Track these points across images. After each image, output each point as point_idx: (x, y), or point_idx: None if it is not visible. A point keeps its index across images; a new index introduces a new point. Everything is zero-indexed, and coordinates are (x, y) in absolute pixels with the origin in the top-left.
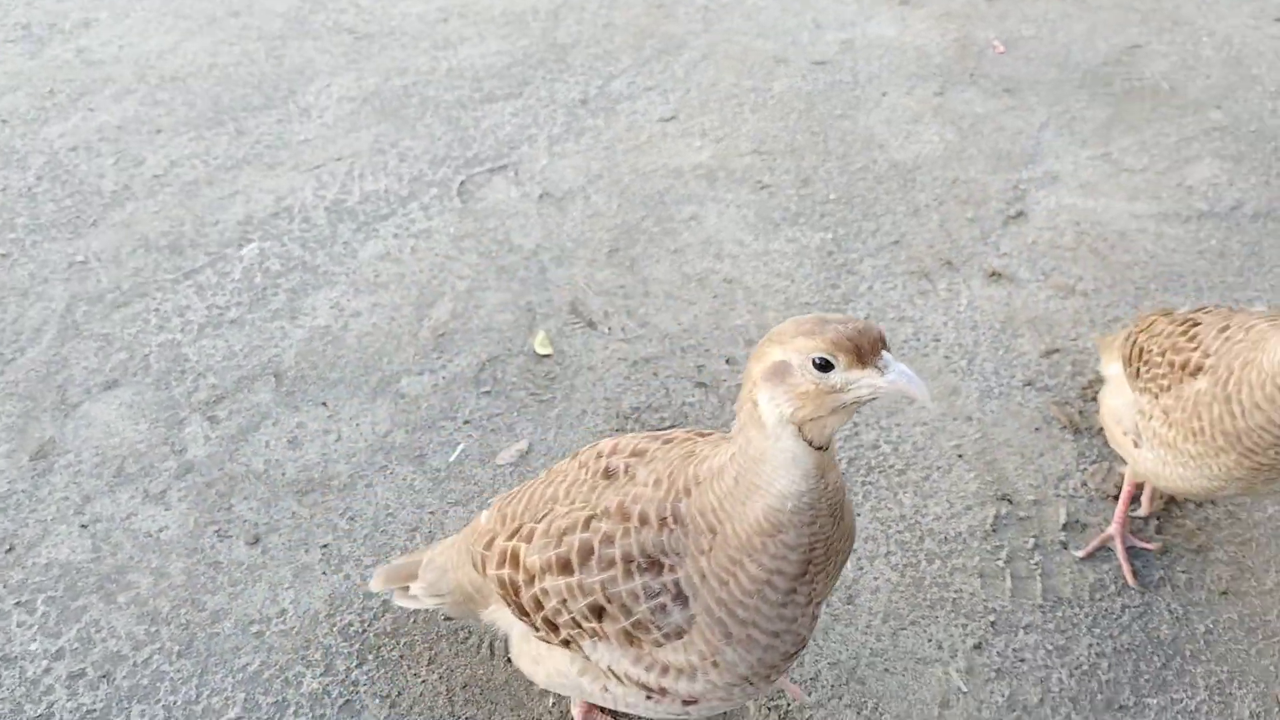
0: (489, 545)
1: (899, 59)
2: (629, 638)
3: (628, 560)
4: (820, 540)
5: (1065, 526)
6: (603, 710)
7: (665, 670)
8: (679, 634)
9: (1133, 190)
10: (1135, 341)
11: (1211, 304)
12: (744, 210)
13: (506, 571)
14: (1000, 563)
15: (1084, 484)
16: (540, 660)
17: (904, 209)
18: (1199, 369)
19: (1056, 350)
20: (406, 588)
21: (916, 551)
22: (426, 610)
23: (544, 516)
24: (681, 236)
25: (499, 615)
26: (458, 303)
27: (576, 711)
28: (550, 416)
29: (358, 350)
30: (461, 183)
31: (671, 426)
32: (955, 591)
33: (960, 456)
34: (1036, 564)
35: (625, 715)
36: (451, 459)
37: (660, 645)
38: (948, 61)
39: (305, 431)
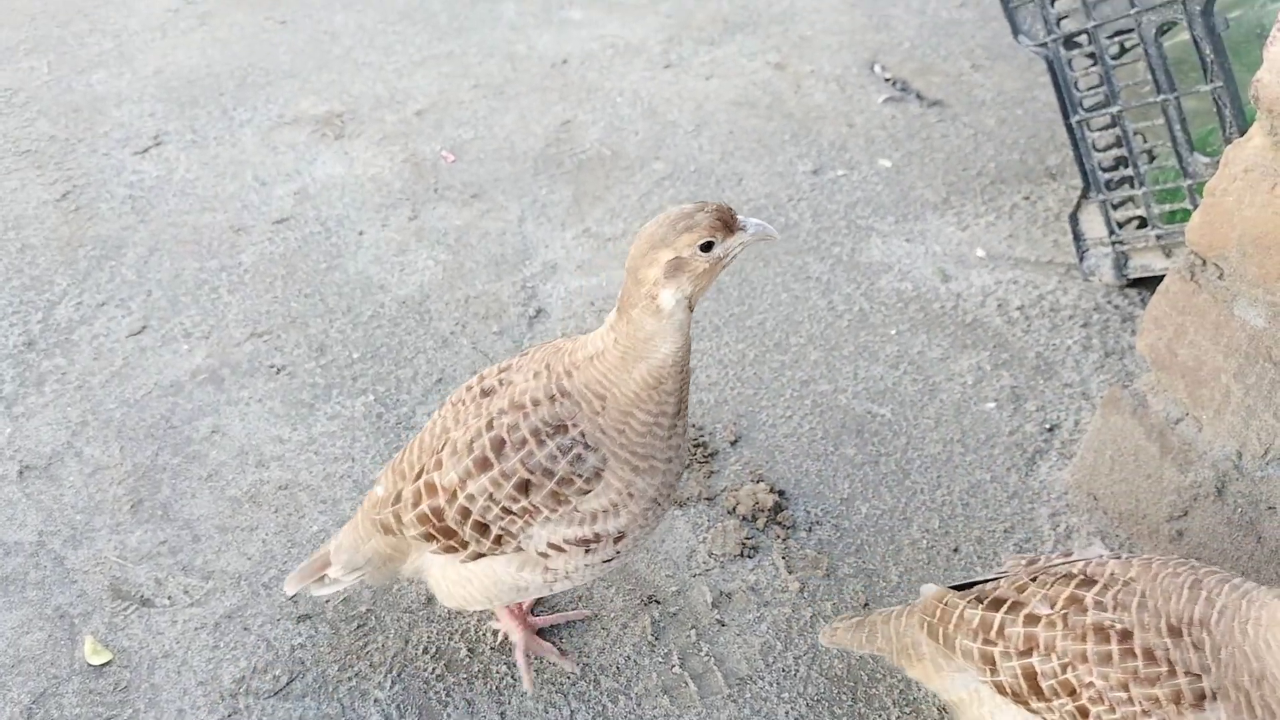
0: (397, 500)
1: (360, 194)
2: (556, 497)
3: (536, 434)
4: (686, 381)
5: (714, 604)
6: (513, 614)
7: (594, 517)
8: (597, 475)
9: (622, 257)
10: (1025, 669)
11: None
12: (268, 403)
13: (425, 505)
14: (676, 669)
15: (710, 554)
16: (471, 578)
17: (432, 343)
18: (1202, 696)
19: None
20: (322, 578)
21: (599, 700)
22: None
23: (444, 446)
24: (210, 457)
25: (420, 561)
26: None
27: (503, 619)
28: None
29: None
30: None
31: (290, 683)
32: None
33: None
34: (707, 655)
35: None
36: None
37: (584, 494)
38: (407, 184)
39: None
